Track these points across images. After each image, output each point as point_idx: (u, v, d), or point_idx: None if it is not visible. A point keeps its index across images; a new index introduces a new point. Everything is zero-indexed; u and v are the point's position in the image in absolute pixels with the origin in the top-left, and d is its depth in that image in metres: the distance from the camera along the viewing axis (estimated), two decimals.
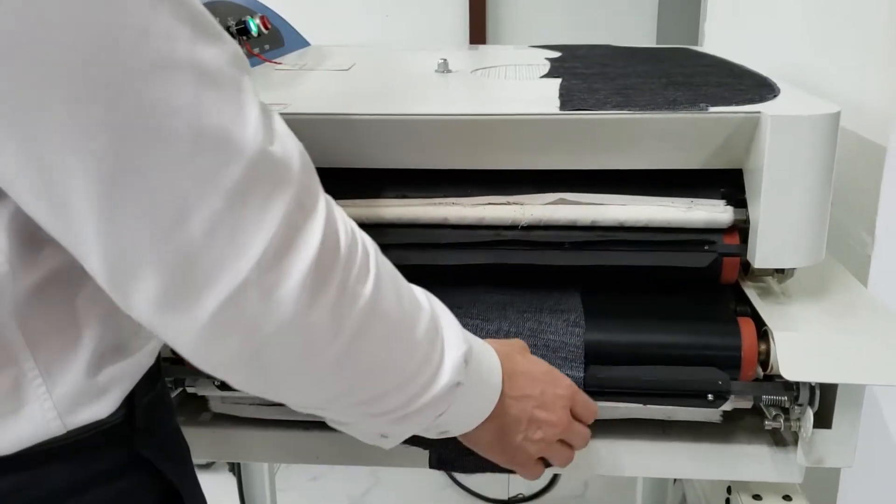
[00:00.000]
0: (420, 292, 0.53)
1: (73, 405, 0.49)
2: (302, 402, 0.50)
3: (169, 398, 0.65)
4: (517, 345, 0.64)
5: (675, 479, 1.43)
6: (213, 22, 0.41)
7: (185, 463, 0.63)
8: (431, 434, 0.57)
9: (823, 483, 0.95)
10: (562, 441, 0.62)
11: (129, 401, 0.53)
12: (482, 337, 0.60)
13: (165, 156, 0.37)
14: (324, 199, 0.45)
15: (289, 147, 0.43)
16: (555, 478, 1.89)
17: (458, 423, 0.57)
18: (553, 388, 0.61)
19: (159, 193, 0.38)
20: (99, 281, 0.41)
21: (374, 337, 0.46)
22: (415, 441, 0.61)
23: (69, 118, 0.36)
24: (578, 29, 2.51)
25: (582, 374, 0.67)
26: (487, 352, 0.58)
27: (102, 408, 0.51)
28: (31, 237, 0.45)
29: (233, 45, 0.42)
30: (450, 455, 0.71)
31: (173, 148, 0.38)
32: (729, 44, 1.48)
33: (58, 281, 0.47)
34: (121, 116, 0.36)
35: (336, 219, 0.45)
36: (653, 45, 1.28)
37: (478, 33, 2.52)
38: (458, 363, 0.52)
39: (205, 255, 0.39)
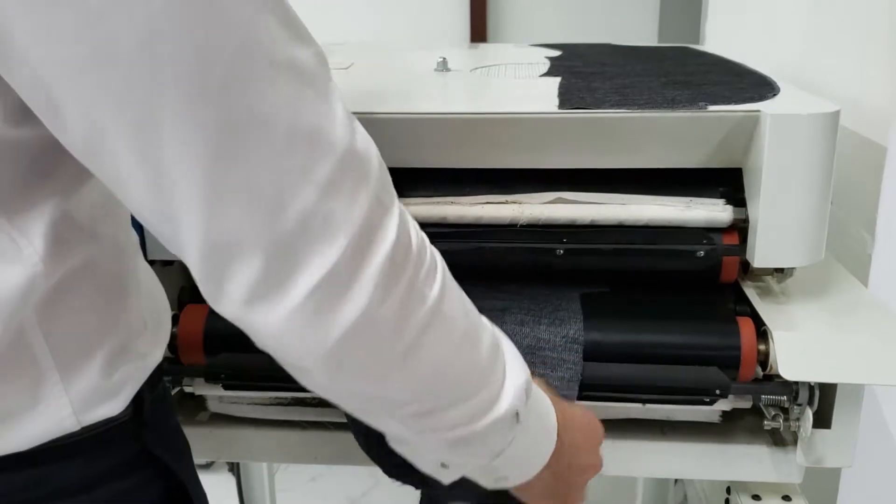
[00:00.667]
0: (480, 313, 0.53)
1: (88, 403, 0.50)
2: (367, 407, 0.50)
3: (170, 396, 0.66)
4: (545, 384, 0.62)
5: (675, 480, 1.43)
6: (303, 23, 0.43)
7: (187, 459, 0.63)
8: (489, 481, 0.55)
9: (823, 483, 0.95)
10: None
11: (138, 398, 0.54)
12: None
13: (267, 150, 0.39)
14: (397, 199, 0.46)
15: (369, 146, 0.45)
16: None
17: (517, 466, 0.55)
18: (593, 432, 0.61)
19: (260, 186, 0.40)
20: (194, 272, 0.42)
21: (438, 340, 0.46)
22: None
23: (182, 119, 0.38)
24: (580, 28, 2.51)
25: (576, 393, 0.67)
26: (542, 394, 0.57)
27: (115, 405, 0.52)
28: (61, 239, 0.46)
29: (318, 45, 0.43)
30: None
31: (275, 143, 0.39)
32: (730, 43, 1.48)
33: (77, 282, 0.49)
34: (229, 115, 0.38)
35: (408, 220, 0.46)
36: (654, 44, 1.27)
37: (478, 32, 2.52)
38: (520, 391, 0.51)
39: (299, 244, 0.40)
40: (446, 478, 0.54)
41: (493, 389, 0.50)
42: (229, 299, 0.42)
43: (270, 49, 0.39)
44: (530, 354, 0.67)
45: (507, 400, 0.50)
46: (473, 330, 0.50)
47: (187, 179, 0.39)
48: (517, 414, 0.51)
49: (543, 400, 0.56)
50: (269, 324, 0.42)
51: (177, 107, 0.38)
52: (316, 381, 0.46)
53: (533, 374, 0.58)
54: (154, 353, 0.57)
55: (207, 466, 1.79)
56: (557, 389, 0.65)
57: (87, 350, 0.50)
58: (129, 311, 0.54)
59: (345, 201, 0.41)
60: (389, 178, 0.46)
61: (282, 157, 0.40)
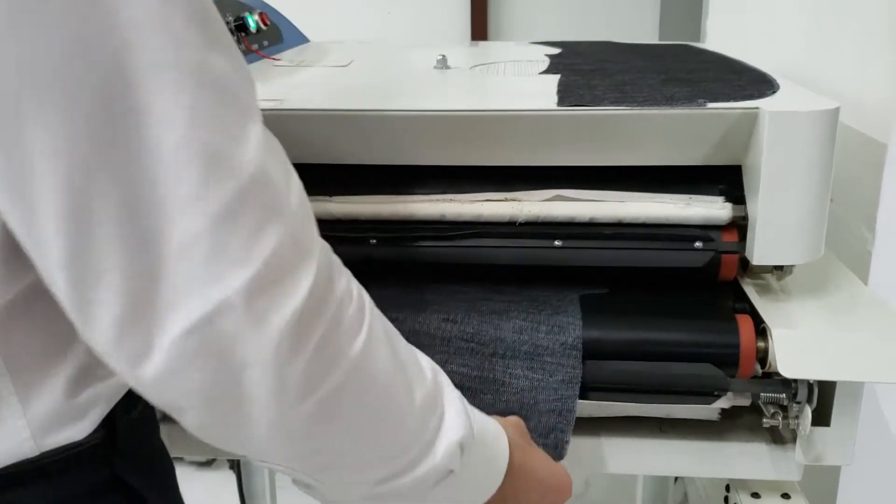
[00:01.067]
0: (426, 363, 0.50)
1: (48, 426, 0.47)
2: (264, 457, 0.45)
3: (152, 415, 0.62)
4: (521, 427, 0.60)
5: (675, 478, 1.43)
6: (226, 30, 0.39)
7: (167, 483, 0.61)
8: None
9: (823, 481, 0.95)
10: None
11: (110, 421, 0.51)
12: (478, 360, 0.58)
13: (148, 164, 0.35)
14: (319, 244, 0.42)
15: (290, 179, 0.40)
16: None
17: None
18: (556, 494, 0.57)
19: (135, 203, 0.35)
20: (61, 299, 0.38)
21: (357, 400, 0.42)
22: None
23: (49, 118, 0.34)
24: (581, 26, 2.51)
25: (577, 394, 0.66)
26: (497, 439, 0.53)
27: (80, 429, 0.48)
28: (16, 250, 0.42)
29: (243, 62, 0.40)
30: None
31: (158, 156, 0.35)
32: (731, 40, 1.48)
33: (39, 297, 0.44)
34: (103, 116, 0.34)
35: (332, 266, 0.42)
36: (655, 41, 1.27)
37: (479, 30, 2.52)
38: (452, 450, 0.47)
39: (176, 277, 0.36)
40: None
41: (420, 449, 0.46)
42: (96, 334, 0.37)
43: (169, 48, 0.35)
44: (529, 360, 0.67)
45: (435, 459, 0.46)
46: (403, 385, 0.46)
47: (48, 193, 0.35)
48: (450, 472, 0.48)
49: (495, 445, 0.53)
50: (137, 365, 0.37)
51: (43, 107, 0.34)
52: (198, 431, 0.41)
53: (503, 414, 0.58)
54: None
55: (208, 464, 1.79)
56: (556, 392, 0.65)
57: (47, 369, 0.47)
58: None
59: (244, 236, 0.36)
60: (313, 221, 0.42)
61: (165, 173, 0.35)
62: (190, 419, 0.40)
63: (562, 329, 0.67)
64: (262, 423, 0.40)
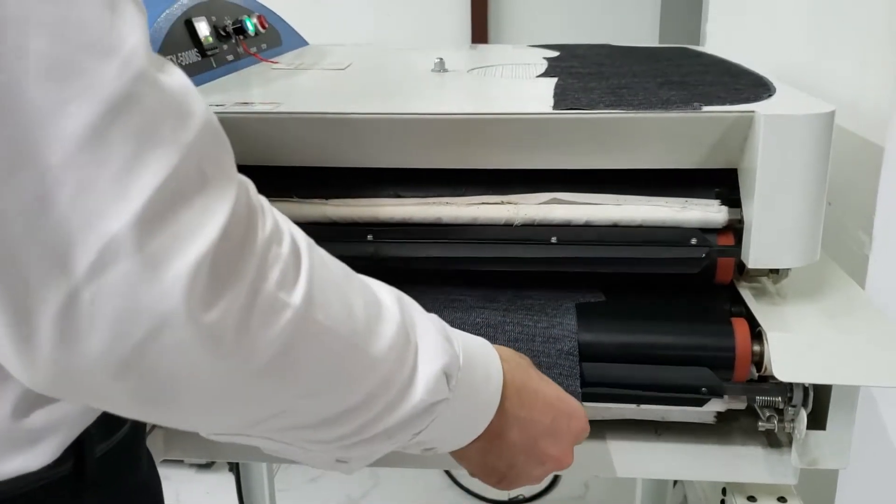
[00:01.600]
0: (389, 296, 0.46)
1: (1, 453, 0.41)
2: (212, 428, 0.41)
3: (138, 444, 0.56)
4: (527, 360, 0.58)
5: (675, 481, 1.43)
6: None
7: None
8: (412, 450, 0.49)
9: (821, 485, 0.95)
10: None
11: (78, 450, 0.46)
12: None
13: None
14: (238, 180, 0.37)
15: (194, 104, 0.35)
16: (555, 479, 1.88)
17: (444, 440, 0.50)
18: (567, 419, 0.55)
19: None
20: None
21: (310, 354, 0.38)
22: None
23: None
24: (581, 29, 2.51)
25: (577, 386, 0.66)
26: (486, 358, 0.51)
27: (35, 458, 0.43)
28: None
29: None
30: None
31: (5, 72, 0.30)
32: (730, 44, 1.48)
33: None
34: None
35: (255, 207, 0.37)
36: (655, 44, 1.27)
37: (480, 33, 2.53)
38: (434, 380, 0.45)
39: (44, 228, 0.30)
40: (348, 470, 0.49)
41: (398, 387, 0.43)
42: None
43: None
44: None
45: (417, 394, 0.44)
46: (364, 328, 0.42)
47: None
48: (438, 402, 0.45)
49: (485, 365, 0.51)
50: (32, 350, 0.32)
51: None
52: (127, 411, 0.37)
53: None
54: None
55: (208, 466, 1.79)
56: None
57: None
58: None
59: (116, 165, 0.31)
60: (228, 152, 0.37)
61: (15, 93, 0.30)
62: (113, 405, 0.36)
63: (556, 340, 0.67)
64: (196, 390, 0.35)
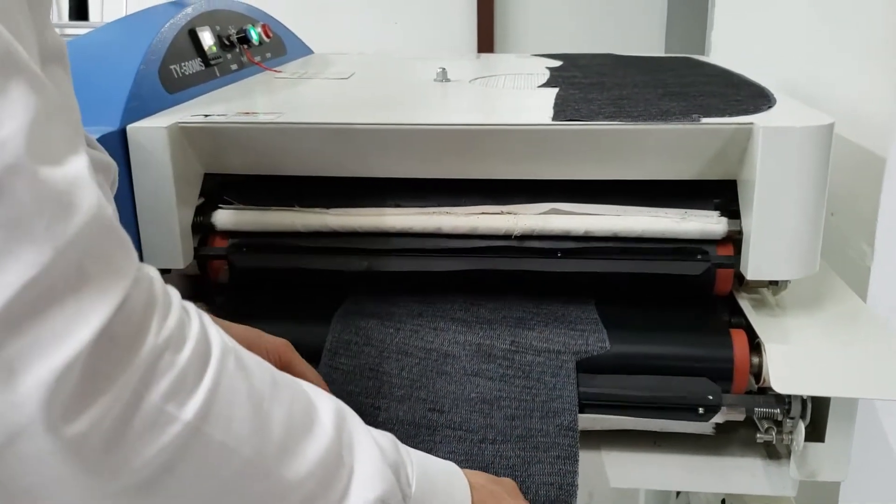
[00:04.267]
0: (330, 413, 0.42)
1: None
2: None
3: None
4: (508, 485, 0.55)
5: (678, 492, 1.42)
6: None
7: None
8: None
9: (823, 497, 0.94)
10: None
11: None
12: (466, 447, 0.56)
13: None
14: (136, 277, 0.34)
15: (81, 191, 0.33)
16: None
17: None
18: None
19: None
20: None
21: (200, 474, 0.35)
22: None
23: None
24: (588, 38, 2.51)
25: (575, 471, 0.63)
26: (450, 486, 0.47)
27: None
28: None
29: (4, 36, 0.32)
30: None
31: None
32: (735, 53, 1.48)
33: None
34: None
35: (151, 306, 0.34)
36: (661, 54, 1.27)
37: (486, 42, 2.53)
38: None
39: None
40: None
41: None
42: None
43: None
44: (521, 442, 0.64)
45: None
46: (280, 450, 0.38)
47: None
48: None
49: (442, 497, 0.47)
50: None
51: None
52: None
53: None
54: None
55: None
56: (551, 468, 0.63)
57: None
58: None
59: None
60: (121, 244, 0.34)
61: None
62: None
63: (556, 414, 0.65)
64: None
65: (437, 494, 0.46)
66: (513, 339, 0.68)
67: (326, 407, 0.42)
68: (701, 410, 0.66)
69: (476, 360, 0.67)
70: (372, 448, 0.43)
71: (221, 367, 0.36)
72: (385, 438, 0.46)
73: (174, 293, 0.37)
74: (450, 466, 0.50)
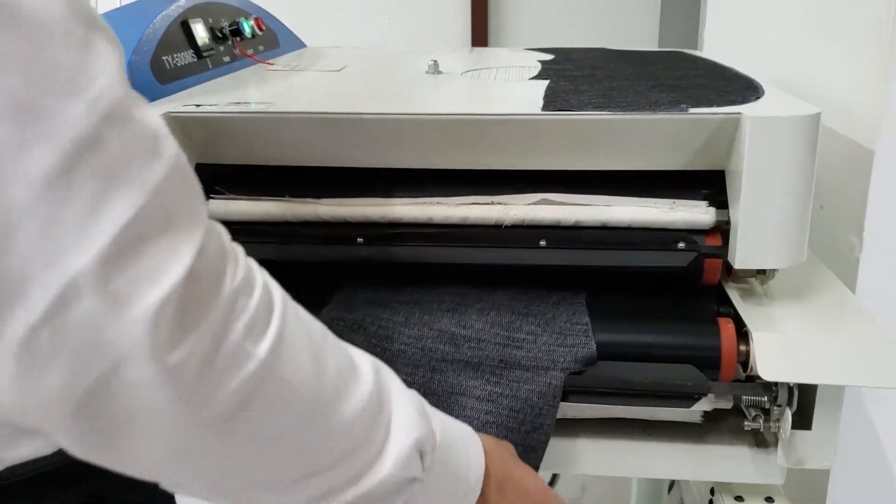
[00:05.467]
0: (366, 363, 0.45)
1: (5, 436, 0.42)
2: (167, 480, 0.39)
3: None
4: (509, 448, 0.58)
5: (670, 486, 1.43)
6: None
7: (159, 499, 0.55)
8: None
9: (811, 485, 0.95)
10: None
11: None
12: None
13: None
14: (208, 226, 0.37)
15: (161, 144, 0.35)
16: (553, 480, 1.89)
17: None
18: None
19: None
20: None
21: (272, 410, 0.38)
22: None
23: None
24: (582, 34, 2.52)
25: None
26: (466, 443, 0.50)
27: (47, 442, 0.42)
28: None
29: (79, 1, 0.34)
30: None
31: None
32: (727, 49, 1.48)
33: None
34: None
35: (226, 253, 0.37)
36: (654, 48, 1.28)
37: (480, 37, 2.53)
38: (406, 454, 0.44)
39: (6, 265, 0.31)
40: None
41: (364, 459, 0.42)
42: None
43: None
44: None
45: (385, 469, 0.43)
46: (333, 391, 0.41)
47: None
48: (411, 480, 0.44)
49: (466, 451, 0.50)
50: None
51: None
52: (77, 449, 0.36)
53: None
54: None
55: None
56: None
57: None
58: None
59: (79, 206, 0.31)
60: (198, 196, 0.37)
61: None
62: (64, 440, 0.35)
63: (533, 449, 0.66)
64: (152, 434, 0.35)
65: (456, 451, 0.49)
66: (501, 358, 0.68)
67: (364, 359, 0.45)
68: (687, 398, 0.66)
69: (463, 376, 0.67)
70: (405, 398, 0.46)
71: (284, 314, 0.39)
72: (413, 393, 0.48)
73: (238, 246, 0.40)
74: (466, 428, 0.52)
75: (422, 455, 0.45)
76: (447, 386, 0.67)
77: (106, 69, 0.34)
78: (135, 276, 0.33)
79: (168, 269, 0.33)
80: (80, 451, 0.36)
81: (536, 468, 0.65)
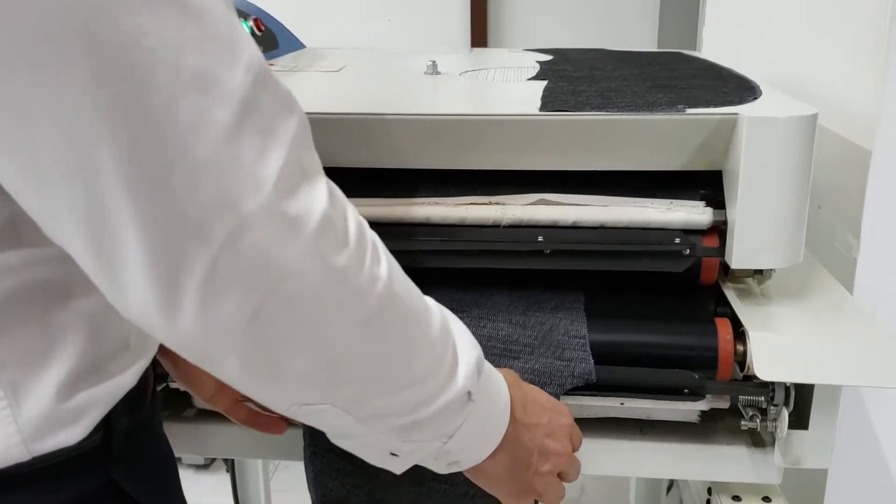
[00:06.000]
0: (427, 297, 0.52)
1: (40, 430, 0.46)
2: (306, 391, 0.45)
3: (157, 423, 0.62)
4: (514, 373, 0.62)
5: (669, 486, 1.43)
6: None
7: (169, 491, 0.60)
8: (441, 466, 0.54)
9: (809, 485, 0.95)
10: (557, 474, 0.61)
11: (106, 425, 0.50)
12: None
13: (143, 98, 0.35)
14: (325, 177, 0.44)
15: (292, 96, 0.42)
16: None
17: (469, 449, 0.54)
18: (558, 416, 0.60)
19: (138, 140, 0.35)
20: (81, 259, 0.39)
21: (392, 322, 0.45)
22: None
23: (38, 62, 0.34)
24: (581, 35, 2.52)
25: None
26: (494, 371, 0.56)
27: (73, 434, 0.47)
28: (3, 241, 0.43)
29: None
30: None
31: (151, 90, 0.35)
32: (726, 50, 1.49)
33: (30, 294, 0.45)
34: (95, 56, 0.34)
35: (342, 200, 0.44)
36: (653, 49, 1.28)
37: (479, 38, 2.54)
38: (472, 369, 0.50)
39: (194, 205, 0.36)
40: (397, 467, 0.52)
41: (446, 369, 0.49)
42: (130, 297, 0.39)
43: None
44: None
45: (460, 380, 0.49)
46: (422, 311, 0.49)
47: (52, 142, 0.35)
48: (469, 393, 0.50)
49: (496, 380, 0.55)
50: (178, 312, 0.38)
51: (31, 52, 0.34)
52: (237, 372, 0.42)
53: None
54: (128, 376, 0.51)
55: (205, 467, 1.79)
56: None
57: (41, 371, 0.45)
58: (99, 329, 0.48)
59: (251, 155, 0.38)
60: (314, 150, 0.43)
61: (162, 105, 0.35)
62: (232, 363, 0.41)
63: None
64: (315, 339, 0.41)
65: (491, 375, 0.55)
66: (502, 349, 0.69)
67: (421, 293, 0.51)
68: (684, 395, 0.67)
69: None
70: (460, 324, 0.53)
71: (383, 249, 0.46)
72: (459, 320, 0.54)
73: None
74: (490, 365, 0.56)
75: (478, 372, 0.51)
76: None
77: (249, 39, 0.39)
78: (296, 209, 0.39)
79: (313, 202, 0.40)
80: (243, 375, 0.42)
81: None
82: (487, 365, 0.54)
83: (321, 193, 0.41)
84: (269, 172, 0.38)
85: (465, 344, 0.51)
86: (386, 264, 0.45)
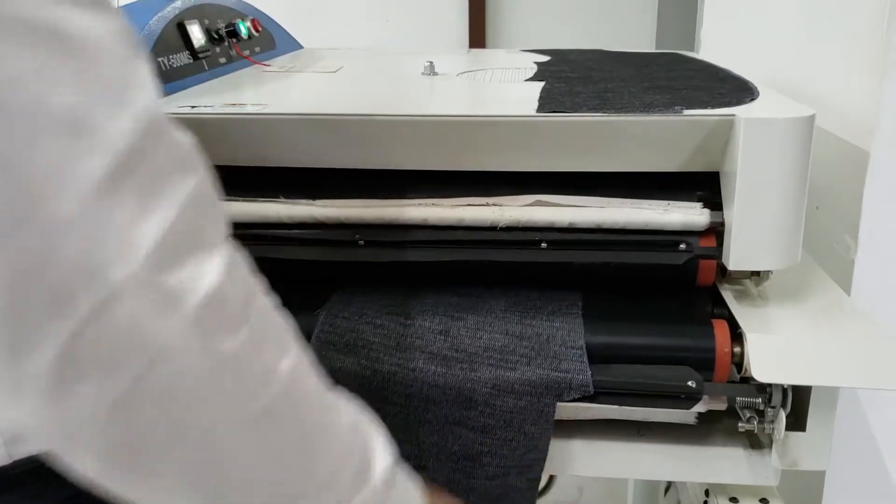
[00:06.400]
0: (342, 396, 0.47)
1: (18, 435, 0.44)
2: (179, 500, 0.38)
3: None
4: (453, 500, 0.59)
5: (666, 488, 1.43)
6: None
7: None
8: None
9: (807, 487, 0.95)
10: None
11: None
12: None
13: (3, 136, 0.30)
14: (229, 248, 0.38)
15: (195, 152, 0.37)
16: (550, 481, 1.89)
17: None
18: None
19: None
20: None
21: (289, 423, 0.39)
22: None
23: None
24: (579, 35, 2.52)
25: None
26: (409, 482, 0.50)
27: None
28: None
29: (121, 21, 0.35)
30: None
31: (11, 127, 0.30)
32: (724, 50, 1.48)
33: None
34: None
35: (249, 279, 0.39)
36: (651, 50, 1.28)
37: (477, 38, 2.54)
38: (389, 472, 0.45)
39: (51, 269, 0.31)
40: None
41: (348, 480, 0.43)
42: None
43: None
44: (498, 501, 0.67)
45: (376, 484, 0.44)
46: (333, 408, 0.43)
47: None
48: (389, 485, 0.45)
49: (411, 493, 0.49)
50: (24, 395, 0.32)
51: None
52: (98, 472, 0.36)
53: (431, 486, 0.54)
54: None
55: None
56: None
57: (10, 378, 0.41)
58: None
59: (127, 216, 0.32)
60: (221, 216, 0.38)
61: (22, 145, 0.30)
62: (90, 460, 0.35)
63: (529, 467, 0.66)
64: (189, 436, 0.35)
65: (408, 491, 0.49)
66: (494, 383, 0.67)
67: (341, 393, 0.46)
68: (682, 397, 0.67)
69: (457, 407, 0.67)
70: (375, 426, 0.47)
71: (295, 339, 0.41)
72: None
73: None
74: (414, 482, 0.51)
75: (392, 481, 0.46)
76: (441, 416, 0.67)
77: (146, 85, 0.35)
78: (177, 281, 0.34)
79: (199, 277, 0.34)
80: (102, 476, 0.36)
81: (535, 485, 0.66)
82: (401, 475, 0.48)
83: (215, 266, 0.35)
84: (147, 237, 0.33)
85: (379, 446, 0.46)
86: (294, 357, 0.40)
